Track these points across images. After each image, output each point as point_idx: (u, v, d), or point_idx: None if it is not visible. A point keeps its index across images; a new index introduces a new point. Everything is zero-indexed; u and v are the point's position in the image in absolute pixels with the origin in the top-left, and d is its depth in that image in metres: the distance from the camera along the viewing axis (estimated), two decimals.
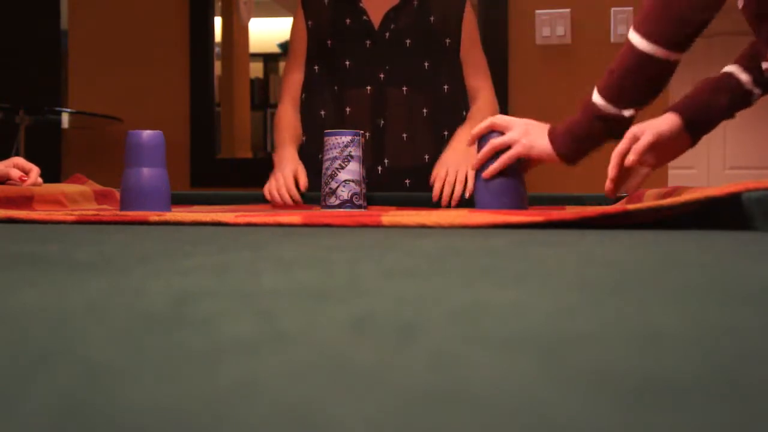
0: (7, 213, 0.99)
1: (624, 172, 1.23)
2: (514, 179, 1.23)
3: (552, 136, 1.23)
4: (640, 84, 1.17)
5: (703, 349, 0.24)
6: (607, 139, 1.23)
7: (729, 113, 1.25)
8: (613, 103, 1.18)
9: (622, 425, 0.16)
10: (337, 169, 1.32)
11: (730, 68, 1.26)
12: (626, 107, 1.18)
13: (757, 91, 1.25)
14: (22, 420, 0.16)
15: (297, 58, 1.83)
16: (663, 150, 1.22)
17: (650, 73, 1.15)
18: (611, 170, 1.21)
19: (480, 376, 0.20)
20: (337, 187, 1.32)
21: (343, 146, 1.32)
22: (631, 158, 1.18)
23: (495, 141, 1.24)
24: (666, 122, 1.21)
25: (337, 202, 1.32)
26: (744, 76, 1.24)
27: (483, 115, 1.71)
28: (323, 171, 1.34)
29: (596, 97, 1.20)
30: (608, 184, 1.23)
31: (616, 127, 1.20)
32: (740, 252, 0.63)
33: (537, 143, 1.23)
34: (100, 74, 2.85)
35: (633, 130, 1.21)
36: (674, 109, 1.22)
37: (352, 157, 1.32)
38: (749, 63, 1.24)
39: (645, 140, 1.18)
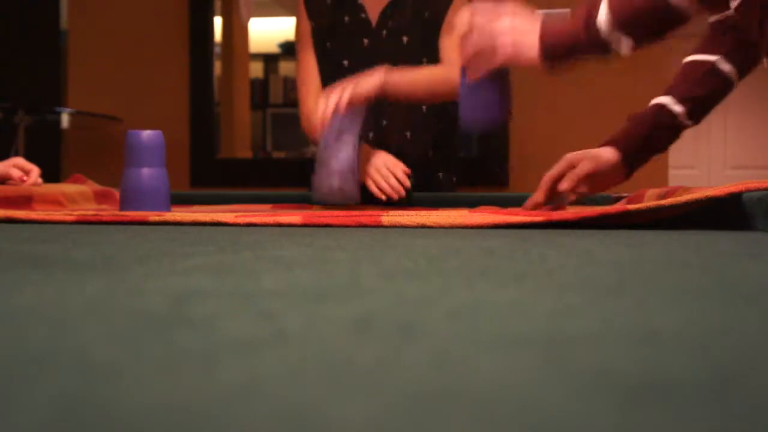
0: (7, 213, 0.99)
1: (550, 196, 1.22)
2: (499, 82, 1.23)
3: (542, 43, 1.13)
4: (655, 27, 1.10)
5: (702, 349, 0.24)
6: (588, 55, 1.16)
7: (664, 148, 1.27)
8: (618, 27, 1.09)
9: (622, 425, 0.16)
10: (328, 157, 1.34)
11: (664, 100, 1.25)
12: (626, 37, 1.10)
13: (688, 122, 1.25)
14: (22, 419, 0.16)
15: (309, 59, 1.80)
16: (598, 180, 1.22)
17: (667, 20, 1.09)
18: (539, 194, 1.20)
19: (480, 375, 0.20)
20: (327, 175, 1.34)
21: (336, 132, 1.34)
22: (565, 185, 1.18)
23: (478, 41, 1.15)
24: (605, 154, 1.21)
25: (326, 190, 1.35)
26: (678, 108, 1.24)
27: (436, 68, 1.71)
28: (317, 158, 1.36)
29: (604, 20, 1.09)
30: (530, 204, 1.21)
31: (603, 47, 1.12)
32: (740, 252, 0.63)
33: (525, 52, 1.14)
34: (100, 74, 2.85)
35: (569, 157, 1.21)
36: (613, 143, 1.23)
37: (345, 143, 1.35)
38: (683, 94, 1.24)
39: (583, 169, 1.18)
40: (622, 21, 1.09)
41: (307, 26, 1.81)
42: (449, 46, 1.78)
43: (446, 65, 1.76)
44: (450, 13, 1.79)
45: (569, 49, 1.13)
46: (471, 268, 0.48)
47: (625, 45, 1.11)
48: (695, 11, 1.06)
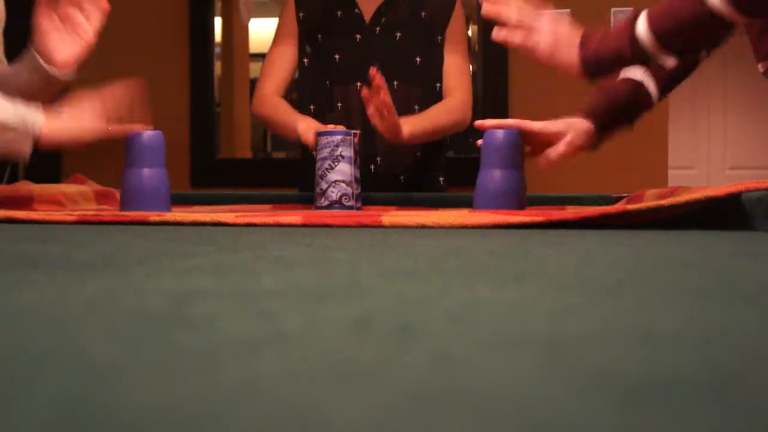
0: (7, 213, 0.99)
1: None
2: (515, 180, 1.23)
3: (583, 51, 1.16)
4: (697, 38, 1.11)
5: (702, 349, 0.24)
6: (634, 64, 1.19)
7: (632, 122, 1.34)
8: (661, 43, 1.09)
9: (622, 425, 0.16)
10: (327, 169, 1.32)
11: (639, 77, 1.30)
12: (670, 54, 1.11)
13: (657, 100, 1.32)
14: (22, 420, 0.16)
15: (283, 49, 1.80)
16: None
17: (711, 30, 1.08)
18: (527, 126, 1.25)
19: (480, 376, 0.20)
20: (327, 187, 1.31)
21: (334, 146, 1.31)
22: (560, 151, 1.24)
23: (516, 34, 1.19)
24: (583, 126, 1.27)
25: (326, 203, 1.31)
26: (653, 88, 1.30)
27: (443, 111, 1.71)
28: (315, 171, 1.34)
29: (642, 29, 1.10)
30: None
31: (647, 61, 1.14)
32: (740, 252, 0.63)
33: (562, 53, 1.16)
34: (100, 74, 2.85)
35: (552, 124, 1.26)
36: (589, 116, 1.29)
37: (342, 157, 1.31)
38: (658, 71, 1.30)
39: (574, 141, 1.25)
40: (663, 35, 1.08)
41: (293, 17, 1.80)
42: (455, 68, 1.78)
43: (455, 95, 1.76)
44: (451, 25, 1.78)
45: (612, 62, 1.14)
46: (471, 268, 0.48)
47: (669, 60, 1.12)
48: (737, 20, 1.04)
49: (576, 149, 1.28)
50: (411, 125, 1.60)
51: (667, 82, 1.32)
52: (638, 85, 1.30)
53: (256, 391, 0.19)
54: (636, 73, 1.31)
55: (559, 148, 1.24)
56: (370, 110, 1.49)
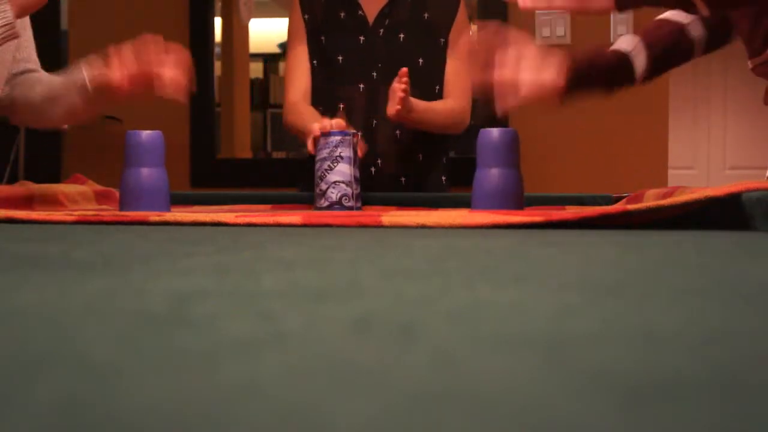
0: (7, 213, 0.99)
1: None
2: (511, 178, 1.23)
3: None
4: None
5: (702, 349, 0.24)
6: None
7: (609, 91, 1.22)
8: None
9: (622, 425, 0.16)
10: (326, 170, 1.32)
11: (627, 49, 1.20)
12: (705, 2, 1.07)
13: (641, 79, 1.21)
14: (22, 420, 0.16)
15: (299, 53, 1.81)
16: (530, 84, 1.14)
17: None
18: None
19: (480, 376, 0.20)
20: (327, 188, 1.31)
21: (333, 146, 1.31)
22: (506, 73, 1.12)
23: None
24: (551, 75, 1.14)
25: (326, 203, 1.31)
26: (639, 63, 1.20)
27: (439, 109, 1.71)
28: (315, 171, 1.34)
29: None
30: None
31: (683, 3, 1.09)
32: (740, 252, 0.63)
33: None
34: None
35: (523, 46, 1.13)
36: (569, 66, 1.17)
37: (341, 157, 1.31)
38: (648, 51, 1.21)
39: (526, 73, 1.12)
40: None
41: (300, 19, 1.80)
42: (454, 72, 1.77)
43: (454, 98, 1.76)
44: (453, 31, 1.78)
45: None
46: (471, 268, 0.48)
47: (704, 9, 1.06)
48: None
49: (542, 91, 1.15)
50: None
51: (662, 61, 1.23)
52: (624, 57, 1.21)
53: (256, 391, 0.19)
54: (628, 44, 1.21)
55: (521, 93, 1.13)
56: (396, 104, 1.50)
